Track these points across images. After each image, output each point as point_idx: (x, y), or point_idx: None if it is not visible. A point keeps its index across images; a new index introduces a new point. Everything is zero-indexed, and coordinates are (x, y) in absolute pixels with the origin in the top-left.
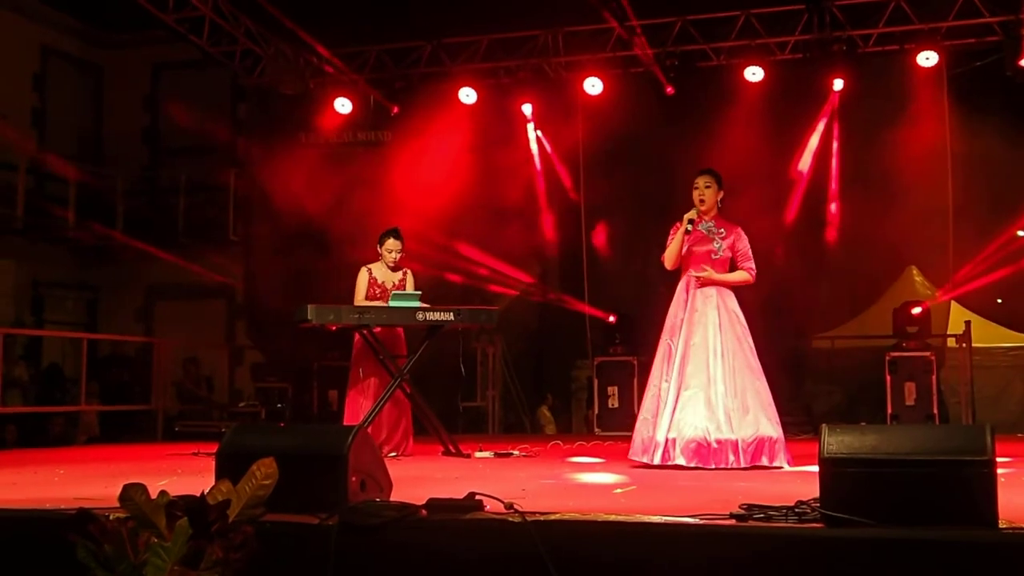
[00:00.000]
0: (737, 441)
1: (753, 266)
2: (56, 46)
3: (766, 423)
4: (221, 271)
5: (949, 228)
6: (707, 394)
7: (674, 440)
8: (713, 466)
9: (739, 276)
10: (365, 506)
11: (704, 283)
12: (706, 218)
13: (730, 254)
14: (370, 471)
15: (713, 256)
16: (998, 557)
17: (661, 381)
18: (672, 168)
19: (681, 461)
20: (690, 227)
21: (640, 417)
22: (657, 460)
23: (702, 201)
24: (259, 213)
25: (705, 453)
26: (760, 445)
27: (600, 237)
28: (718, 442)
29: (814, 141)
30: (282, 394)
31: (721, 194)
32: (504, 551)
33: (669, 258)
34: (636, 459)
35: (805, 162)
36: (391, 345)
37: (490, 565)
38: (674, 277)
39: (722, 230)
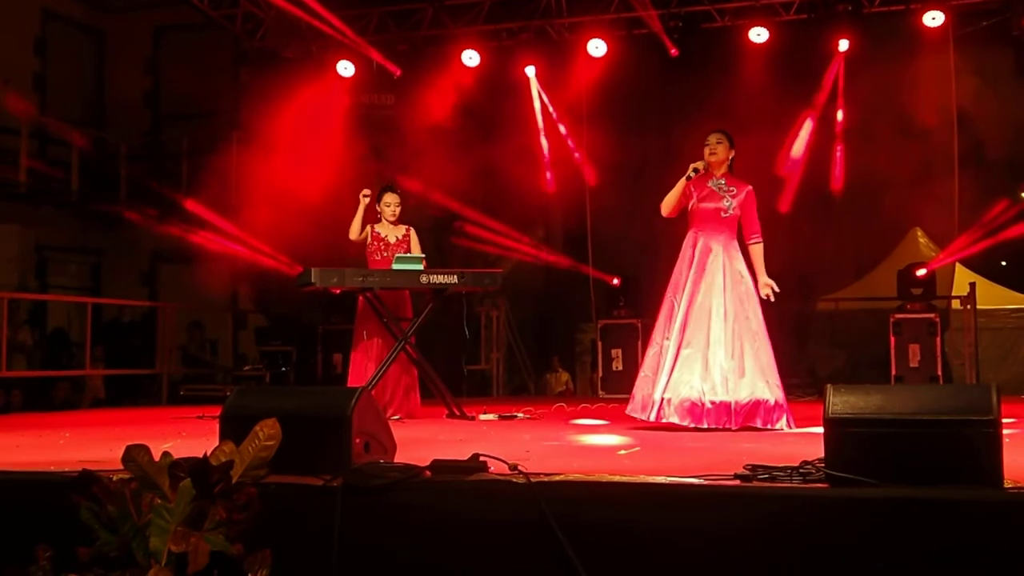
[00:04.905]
0: (731, 403)
1: (759, 231)
2: (57, 10)
3: (762, 387)
4: (224, 235)
5: (954, 190)
6: (704, 355)
7: (669, 400)
8: (706, 425)
9: (760, 254)
10: (369, 467)
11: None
12: (716, 174)
13: (739, 213)
14: (374, 433)
15: (723, 215)
16: (1003, 517)
17: (663, 339)
18: (677, 130)
19: (674, 419)
20: (693, 174)
21: (641, 373)
22: (652, 417)
23: (713, 154)
24: (262, 177)
25: (698, 412)
26: (754, 407)
27: (604, 200)
28: (712, 403)
29: (819, 102)
30: (286, 358)
31: (732, 153)
32: (508, 512)
33: (667, 204)
34: (635, 415)
35: (809, 124)
36: (395, 307)
37: (494, 526)
38: (676, 238)
39: (733, 188)
